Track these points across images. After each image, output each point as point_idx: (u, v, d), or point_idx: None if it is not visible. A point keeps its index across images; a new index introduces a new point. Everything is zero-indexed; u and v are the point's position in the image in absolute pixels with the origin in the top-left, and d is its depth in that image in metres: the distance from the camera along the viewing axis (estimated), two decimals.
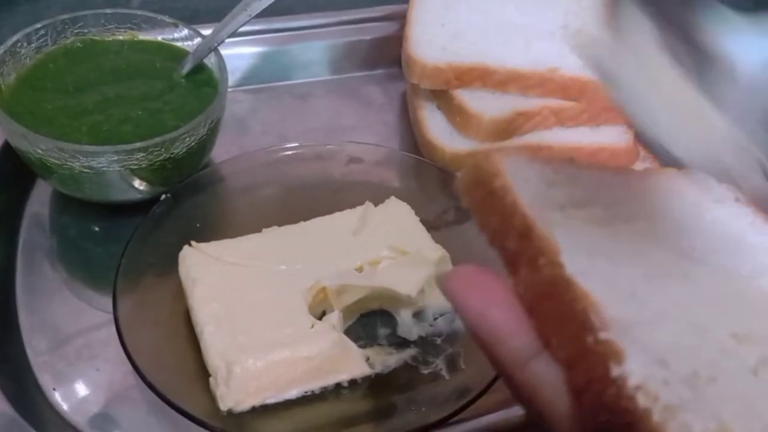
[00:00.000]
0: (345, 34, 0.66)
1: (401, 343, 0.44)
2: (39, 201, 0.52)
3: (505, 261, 0.25)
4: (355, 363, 0.41)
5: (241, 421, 0.38)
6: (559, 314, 0.23)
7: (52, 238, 0.50)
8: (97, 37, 0.53)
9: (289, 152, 0.52)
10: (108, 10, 0.53)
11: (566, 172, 0.28)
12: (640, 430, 0.20)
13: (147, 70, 0.52)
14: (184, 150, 0.47)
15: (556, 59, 0.54)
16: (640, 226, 0.27)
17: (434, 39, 0.55)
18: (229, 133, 0.56)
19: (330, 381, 0.40)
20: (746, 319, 0.25)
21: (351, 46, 0.66)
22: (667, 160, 0.28)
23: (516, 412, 0.40)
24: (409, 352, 0.43)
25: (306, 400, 0.40)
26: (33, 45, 0.50)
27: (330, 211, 0.48)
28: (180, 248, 0.44)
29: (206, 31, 0.52)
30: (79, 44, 0.52)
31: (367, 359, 0.42)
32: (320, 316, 0.43)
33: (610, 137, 0.55)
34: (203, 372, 0.40)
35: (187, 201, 0.48)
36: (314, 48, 0.65)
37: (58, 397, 0.42)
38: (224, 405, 0.38)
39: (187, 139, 0.47)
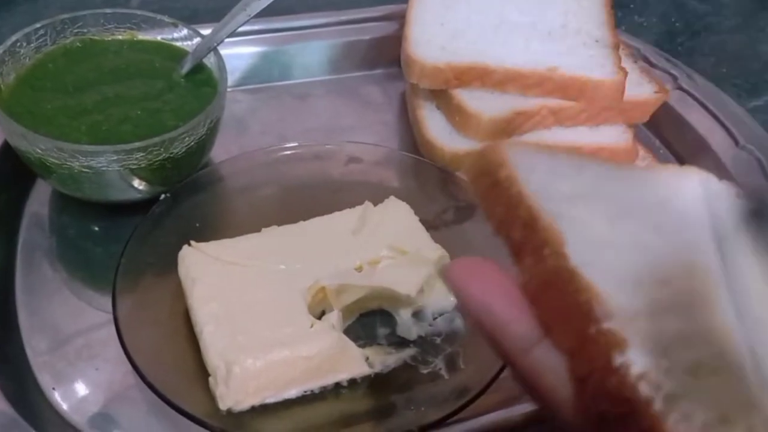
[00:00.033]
0: (344, 34, 0.66)
1: (400, 343, 0.44)
2: (38, 201, 0.52)
3: (510, 250, 0.25)
4: (354, 362, 0.41)
5: (240, 420, 0.38)
6: (562, 304, 0.23)
7: (52, 237, 0.50)
8: (96, 37, 0.53)
9: (289, 152, 0.52)
10: (107, 10, 0.53)
11: (571, 163, 0.28)
12: (642, 419, 0.20)
13: (146, 69, 0.52)
14: (183, 150, 0.47)
15: (556, 59, 0.54)
16: (644, 219, 0.27)
17: (433, 39, 0.55)
18: (229, 133, 0.56)
19: (329, 380, 0.40)
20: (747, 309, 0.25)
21: (350, 46, 0.66)
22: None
23: (516, 411, 0.40)
24: (408, 352, 0.43)
25: (305, 399, 0.40)
26: (32, 45, 0.50)
27: (329, 211, 0.48)
28: (179, 248, 0.44)
29: (205, 31, 0.52)
30: (78, 44, 0.52)
31: (367, 359, 0.42)
32: (319, 316, 0.43)
33: (609, 137, 0.55)
34: (203, 371, 0.40)
35: (186, 201, 0.48)
36: (313, 48, 0.65)
37: (57, 397, 0.42)
38: (224, 404, 0.38)
39: (187, 138, 0.47)
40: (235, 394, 0.38)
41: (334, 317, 0.42)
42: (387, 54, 0.65)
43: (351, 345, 0.41)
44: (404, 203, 0.48)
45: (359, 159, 0.52)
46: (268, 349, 0.39)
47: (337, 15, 0.67)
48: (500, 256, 0.26)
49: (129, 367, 0.38)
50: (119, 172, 0.46)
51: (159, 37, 0.54)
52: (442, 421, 0.37)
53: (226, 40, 0.51)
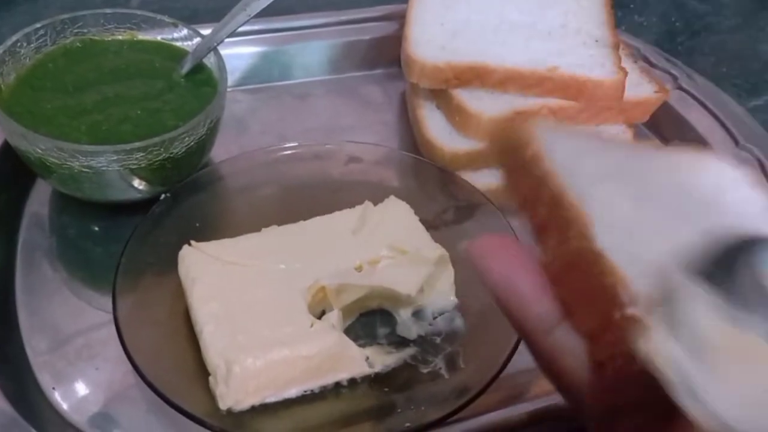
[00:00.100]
0: (344, 34, 0.66)
1: (401, 342, 0.44)
2: (39, 200, 0.52)
3: (534, 229, 0.25)
4: (354, 362, 0.41)
5: (240, 420, 0.38)
6: (585, 286, 0.22)
7: (52, 237, 0.50)
8: (96, 37, 0.53)
9: (289, 152, 0.52)
10: (107, 10, 0.53)
11: (597, 144, 0.28)
12: (660, 406, 0.20)
13: (146, 69, 0.52)
14: (183, 150, 0.47)
15: (556, 59, 0.54)
16: (668, 202, 0.27)
17: (433, 38, 0.55)
18: (229, 133, 0.56)
19: (329, 380, 0.40)
20: None
21: (350, 46, 0.66)
22: None
23: (516, 411, 0.40)
24: (408, 351, 0.43)
25: (305, 399, 0.40)
26: (32, 45, 0.50)
27: (329, 211, 0.48)
28: (179, 248, 0.44)
29: (205, 31, 0.52)
30: (78, 44, 0.52)
31: (367, 358, 0.42)
32: (320, 316, 0.43)
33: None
34: (203, 371, 0.40)
35: (186, 200, 0.48)
36: (313, 48, 0.65)
37: (57, 397, 0.42)
38: (224, 404, 0.38)
39: (187, 138, 0.47)
40: (235, 393, 0.38)
41: (334, 317, 0.42)
42: (387, 54, 0.65)
43: (351, 344, 0.41)
44: (404, 203, 0.48)
45: (359, 159, 0.52)
46: (268, 348, 0.39)
47: (337, 15, 0.67)
48: (529, 225, 0.25)
49: (129, 366, 0.38)
50: (119, 172, 0.46)
51: (159, 37, 0.54)
52: (442, 421, 0.37)
53: (226, 40, 0.51)
